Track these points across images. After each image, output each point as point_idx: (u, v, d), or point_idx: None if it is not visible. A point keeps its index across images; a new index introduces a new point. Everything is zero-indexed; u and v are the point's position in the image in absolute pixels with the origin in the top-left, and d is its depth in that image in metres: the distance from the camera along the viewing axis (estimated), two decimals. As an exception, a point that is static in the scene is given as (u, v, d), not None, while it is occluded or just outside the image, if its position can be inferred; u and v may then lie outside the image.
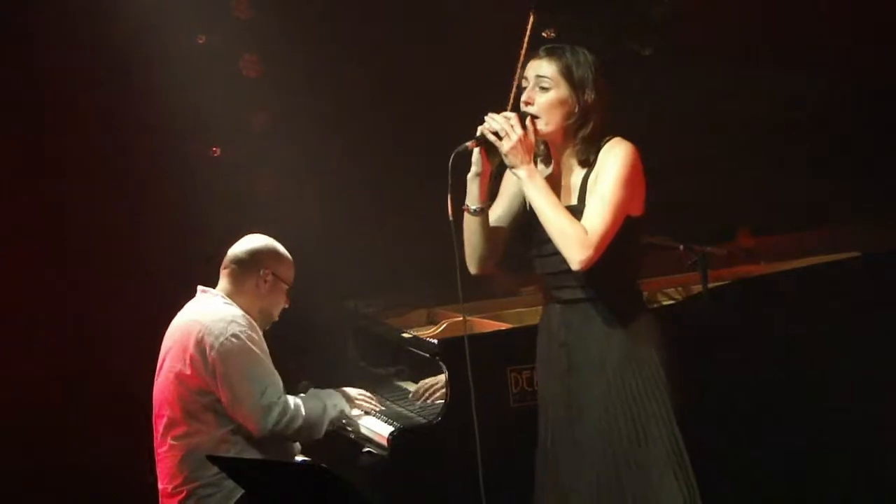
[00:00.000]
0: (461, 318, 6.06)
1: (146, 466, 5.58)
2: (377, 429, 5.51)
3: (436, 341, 5.60)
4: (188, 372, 5.39)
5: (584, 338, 4.66)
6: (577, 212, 4.59)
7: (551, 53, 4.65)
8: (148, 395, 5.56)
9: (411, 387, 5.89)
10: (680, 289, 6.12)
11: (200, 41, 7.11)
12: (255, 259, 5.58)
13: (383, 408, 5.73)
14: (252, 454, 5.38)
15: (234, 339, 5.37)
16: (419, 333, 5.96)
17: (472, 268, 4.78)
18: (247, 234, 5.68)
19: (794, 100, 6.33)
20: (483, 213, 4.68)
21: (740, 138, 6.25)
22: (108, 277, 6.97)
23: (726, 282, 5.99)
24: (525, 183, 4.57)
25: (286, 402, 5.39)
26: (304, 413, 5.43)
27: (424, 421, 5.46)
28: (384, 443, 5.39)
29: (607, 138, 4.64)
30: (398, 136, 7.18)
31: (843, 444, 5.73)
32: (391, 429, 5.43)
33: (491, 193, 4.76)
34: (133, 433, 5.87)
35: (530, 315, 5.95)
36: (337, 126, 7.10)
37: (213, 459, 4.99)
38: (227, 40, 7.14)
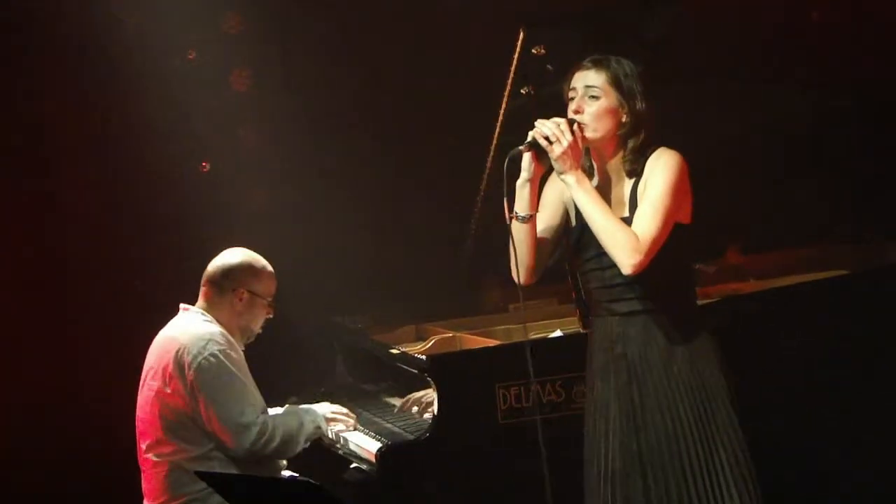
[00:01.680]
0: (450, 335, 6.08)
1: (133, 481, 5.57)
2: (365, 444, 5.50)
3: (424, 357, 5.60)
4: (168, 390, 5.38)
5: (644, 349, 4.62)
6: (628, 223, 4.56)
7: (598, 63, 4.63)
8: (133, 410, 5.55)
9: (399, 403, 5.88)
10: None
11: (191, 57, 7.11)
12: (230, 278, 5.54)
13: (359, 425, 5.71)
14: (238, 470, 5.36)
15: (211, 359, 5.35)
16: (407, 349, 5.96)
17: (520, 277, 4.69)
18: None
19: (783, 116, 6.34)
20: (532, 219, 4.63)
21: (729, 155, 6.25)
22: (94, 292, 6.95)
23: (715, 299, 6.00)
24: (574, 189, 4.55)
25: (264, 422, 5.37)
26: (280, 431, 5.40)
27: (412, 437, 5.44)
28: (372, 458, 5.38)
29: (653, 148, 4.64)
30: (388, 151, 7.19)
31: (831, 465, 5.73)
32: (379, 444, 5.42)
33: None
34: (120, 448, 5.84)
35: (518, 331, 5.95)
36: (326, 141, 7.11)
37: (201, 475, 4.97)
38: (218, 56, 7.14)
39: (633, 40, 5.90)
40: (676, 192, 4.57)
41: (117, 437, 5.88)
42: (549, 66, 5.77)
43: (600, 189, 4.66)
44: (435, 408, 5.38)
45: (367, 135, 7.21)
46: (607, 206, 4.56)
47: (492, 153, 5.93)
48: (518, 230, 4.64)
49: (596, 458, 4.68)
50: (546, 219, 4.73)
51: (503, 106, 5.83)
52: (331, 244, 6.99)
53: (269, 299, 5.59)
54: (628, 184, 4.65)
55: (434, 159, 7.10)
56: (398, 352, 5.91)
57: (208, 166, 7.15)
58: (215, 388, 5.34)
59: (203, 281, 5.58)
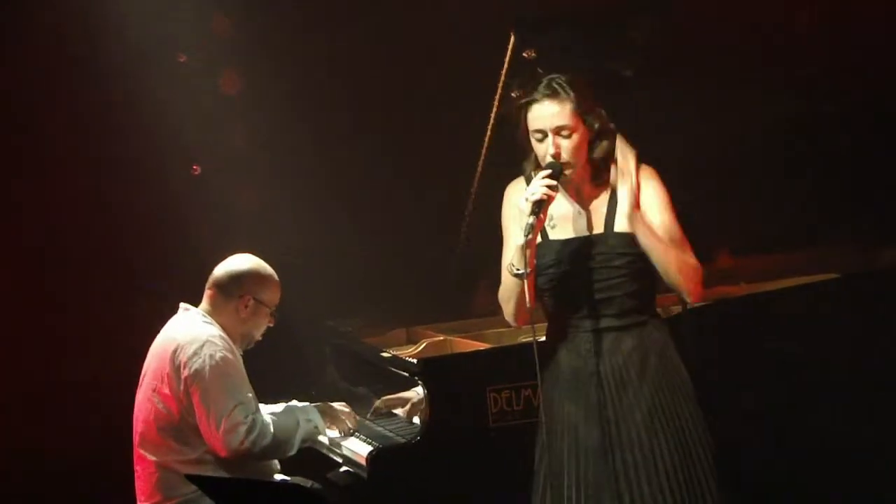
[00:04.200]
0: (441, 338, 6.08)
1: (127, 482, 5.56)
2: (356, 448, 5.50)
3: (415, 361, 5.60)
4: (165, 390, 5.39)
5: (618, 364, 4.58)
6: (606, 239, 4.56)
7: (556, 95, 4.53)
8: (131, 412, 5.55)
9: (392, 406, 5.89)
10: (659, 310, 6.12)
11: (181, 59, 7.11)
12: (237, 283, 5.55)
13: (355, 428, 5.71)
14: (231, 472, 5.36)
15: (207, 360, 5.36)
16: (398, 353, 5.96)
17: (515, 321, 4.68)
18: (227, 251, 5.67)
19: (774, 119, 6.34)
20: (529, 275, 4.52)
21: (720, 159, 6.26)
22: (92, 292, 6.95)
23: (705, 302, 6.00)
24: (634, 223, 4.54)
25: (253, 421, 5.36)
26: (272, 430, 5.40)
27: (403, 440, 5.45)
28: (363, 462, 5.38)
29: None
30: (379, 153, 7.19)
31: (822, 466, 5.74)
32: (370, 448, 5.42)
33: None
34: (114, 449, 5.84)
35: (510, 335, 5.95)
36: (317, 143, 7.11)
37: (192, 478, 4.97)
38: (208, 58, 7.14)
39: (623, 43, 5.92)
40: (675, 213, 4.59)
41: (112, 437, 5.89)
42: (539, 70, 5.77)
43: (567, 205, 4.62)
44: (426, 410, 5.38)
45: (358, 138, 7.20)
46: (664, 238, 4.54)
47: (482, 156, 5.94)
48: (514, 284, 4.56)
49: (562, 478, 4.62)
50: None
51: (494, 109, 5.84)
52: (322, 247, 6.98)
53: (273, 308, 5.60)
54: (597, 199, 4.62)
55: (425, 162, 7.10)
56: (389, 355, 5.91)
57: (199, 169, 7.14)
58: (208, 389, 5.34)
59: (209, 284, 5.58)
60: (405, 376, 5.64)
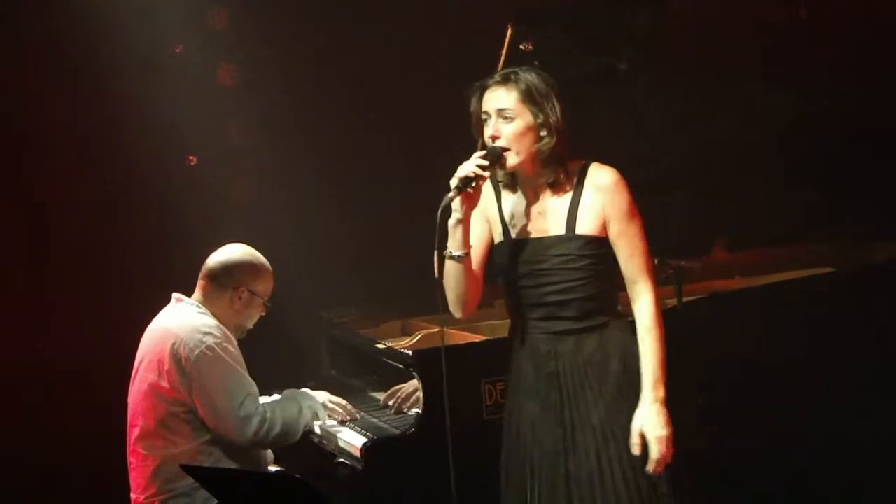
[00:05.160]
0: (436, 329, 6.08)
1: (120, 474, 5.56)
2: (351, 440, 5.50)
3: (410, 352, 5.60)
4: (164, 383, 5.38)
5: (577, 366, 4.59)
6: (566, 241, 4.56)
7: (507, 81, 4.57)
8: (124, 402, 5.54)
9: (383, 397, 5.88)
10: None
11: (177, 51, 7.11)
12: (231, 275, 5.54)
13: (356, 417, 5.72)
14: (226, 465, 5.37)
15: (209, 352, 5.36)
16: (393, 344, 5.96)
17: (458, 312, 4.70)
18: (223, 242, 5.66)
19: (770, 114, 6.34)
20: (467, 258, 4.59)
21: (716, 153, 6.26)
22: (85, 282, 6.94)
23: (701, 296, 6.01)
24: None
25: (264, 411, 5.39)
26: (280, 418, 5.43)
27: (398, 432, 5.45)
28: (357, 454, 5.38)
29: (585, 162, 4.61)
30: (375, 145, 7.20)
31: (816, 462, 5.76)
32: (364, 440, 5.42)
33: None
34: (108, 440, 5.84)
35: (504, 327, 5.94)
36: (313, 135, 7.12)
37: (188, 469, 4.97)
38: (205, 50, 7.14)
39: (621, 37, 5.92)
40: (639, 214, 4.58)
41: (103, 428, 5.90)
42: (536, 63, 5.77)
43: (529, 206, 4.63)
44: (420, 403, 5.38)
45: (353, 129, 7.20)
46: (656, 348, 4.54)
47: (479, 148, 5.93)
48: (454, 269, 4.60)
49: (520, 477, 4.66)
50: (475, 245, 4.67)
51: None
52: (317, 238, 6.98)
53: (266, 299, 5.59)
54: (558, 197, 4.60)
55: (422, 154, 7.10)
56: (384, 346, 5.92)
57: (195, 160, 7.14)
58: (215, 380, 5.35)
59: (202, 275, 5.57)
60: (399, 368, 5.64)
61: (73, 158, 6.96)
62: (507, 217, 4.67)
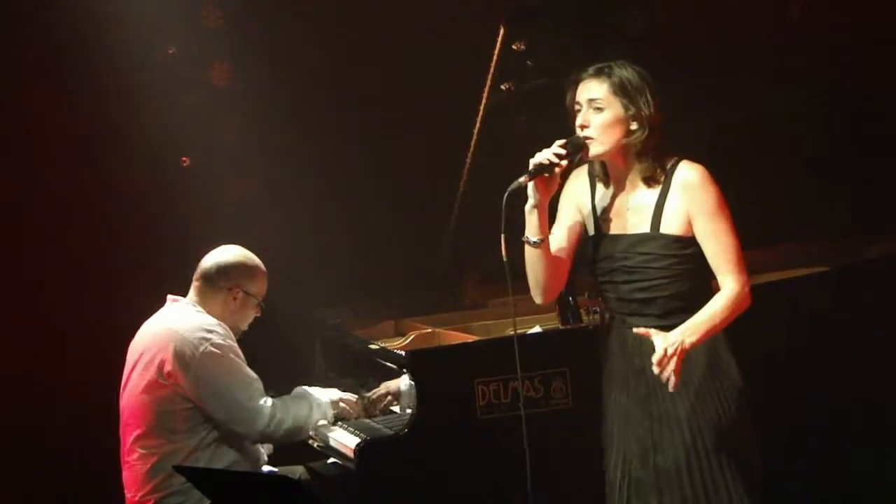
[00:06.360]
0: (429, 330, 6.09)
1: (113, 474, 5.56)
2: (344, 440, 5.50)
3: (403, 353, 5.60)
4: (165, 382, 5.37)
5: None
6: (650, 239, 4.55)
7: (600, 73, 4.58)
8: (115, 403, 5.53)
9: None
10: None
11: (170, 52, 7.10)
12: (225, 276, 5.54)
13: (338, 420, 5.71)
14: (221, 464, 5.37)
15: (214, 349, 5.37)
16: (387, 345, 5.96)
17: (538, 298, 4.69)
18: (217, 243, 5.65)
19: (766, 113, 6.34)
20: (543, 243, 4.58)
21: (712, 152, 6.26)
22: (79, 283, 6.93)
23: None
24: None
25: (273, 404, 5.41)
26: (291, 414, 5.45)
27: (391, 433, 5.44)
28: (350, 454, 5.38)
29: (675, 159, 4.60)
30: (368, 145, 7.19)
31: (814, 461, 5.76)
32: (357, 440, 5.41)
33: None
34: (101, 441, 5.84)
35: (498, 327, 5.96)
36: (306, 135, 7.11)
37: (180, 469, 4.97)
38: (198, 50, 7.13)
39: (615, 35, 5.91)
40: (729, 213, 4.57)
41: (97, 428, 5.89)
42: (528, 62, 5.78)
43: (619, 201, 4.64)
44: (413, 403, 5.38)
45: (348, 129, 7.20)
46: (714, 314, 4.49)
47: (472, 149, 5.94)
48: (531, 254, 4.60)
49: (615, 465, 4.67)
50: (563, 234, 4.69)
51: (483, 101, 5.83)
52: (311, 238, 6.98)
53: (261, 299, 5.59)
54: (647, 194, 4.60)
55: (415, 154, 7.10)
56: (377, 347, 5.92)
57: (188, 161, 7.14)
58: (223, 377, 5.37)
59: (196, 276, 5.57)
60: (393, 368, 5.64)
61: (66, 158, 6.95)
62: (598, 210, 4.68)
